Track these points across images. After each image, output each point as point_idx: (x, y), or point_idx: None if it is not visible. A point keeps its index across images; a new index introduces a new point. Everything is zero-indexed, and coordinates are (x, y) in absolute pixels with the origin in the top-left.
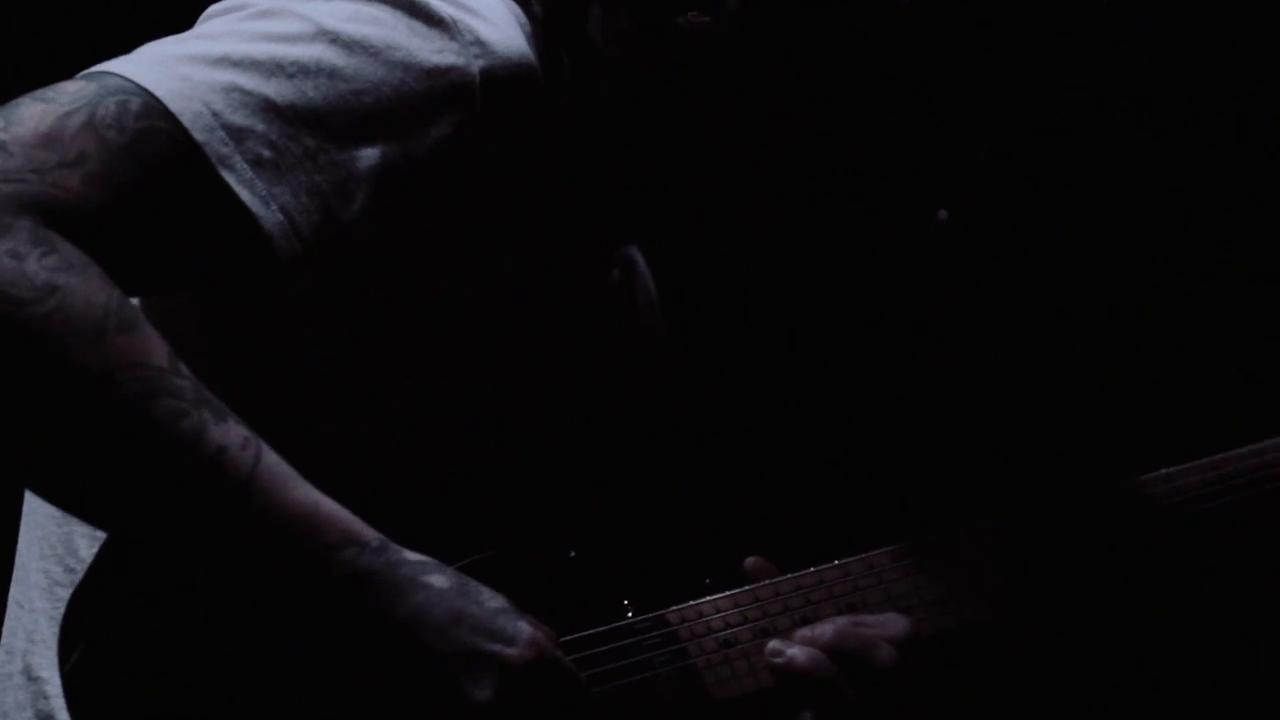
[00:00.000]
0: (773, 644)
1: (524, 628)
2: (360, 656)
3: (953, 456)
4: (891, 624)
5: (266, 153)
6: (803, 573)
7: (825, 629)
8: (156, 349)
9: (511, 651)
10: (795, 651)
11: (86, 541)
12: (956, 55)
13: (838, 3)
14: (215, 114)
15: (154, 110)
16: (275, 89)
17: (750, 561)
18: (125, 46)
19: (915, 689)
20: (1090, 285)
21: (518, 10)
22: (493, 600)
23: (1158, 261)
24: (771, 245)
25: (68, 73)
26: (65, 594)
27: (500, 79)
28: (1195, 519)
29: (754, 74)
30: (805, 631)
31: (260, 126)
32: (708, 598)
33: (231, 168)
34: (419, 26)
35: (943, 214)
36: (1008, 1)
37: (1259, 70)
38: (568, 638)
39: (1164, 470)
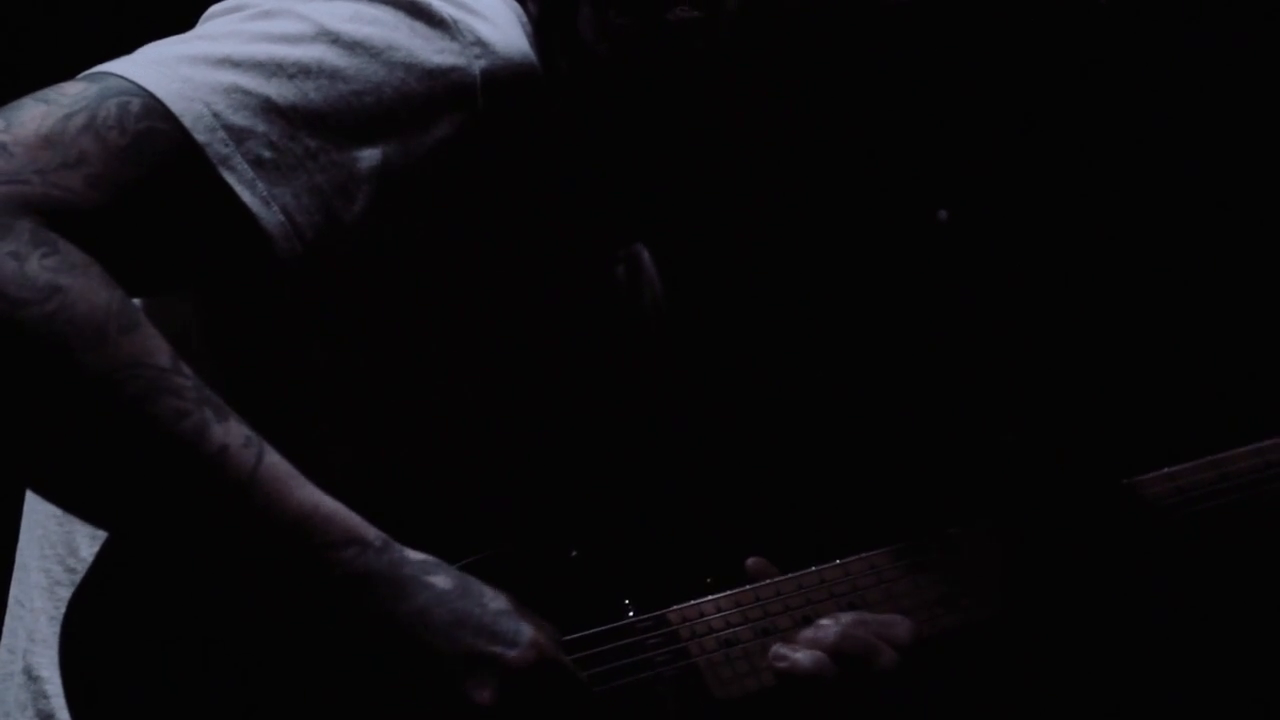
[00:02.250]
0: (776, 648)
1: (526, 629)
2: (362, 657)
3: (953, 455)
4: (894, 627)
5: (267, 153)
6: (804, 572)
7: (829, 631)
8: (158, 348)
9: (513, 653)
10: (800, 656)
11: (87, 541)
12: (956, 55)
13: (841, 9)
14: (216, 115)
15: (155, 111)
16: (276, 90)
17: (752, 562)
18: (127, 47)
19: (916, 690)
20: (1091, 284)
21: (519, 10)
22: (495, 601)
23: (1158, 260)
24: (773, 245)
25: (69, 73)
26: (66, 594)
27: (501, 79)
28: (1196, 518)
29: (748, 70)
30: (808, 633)
31: (261, 127)
32: (708, 597)
33: (233, 169)
34: (420, 27)
35: (943, 214)
36: (1008, 1)
37: (1259, 70)
38: (569, 637)
39: (1165, 469)
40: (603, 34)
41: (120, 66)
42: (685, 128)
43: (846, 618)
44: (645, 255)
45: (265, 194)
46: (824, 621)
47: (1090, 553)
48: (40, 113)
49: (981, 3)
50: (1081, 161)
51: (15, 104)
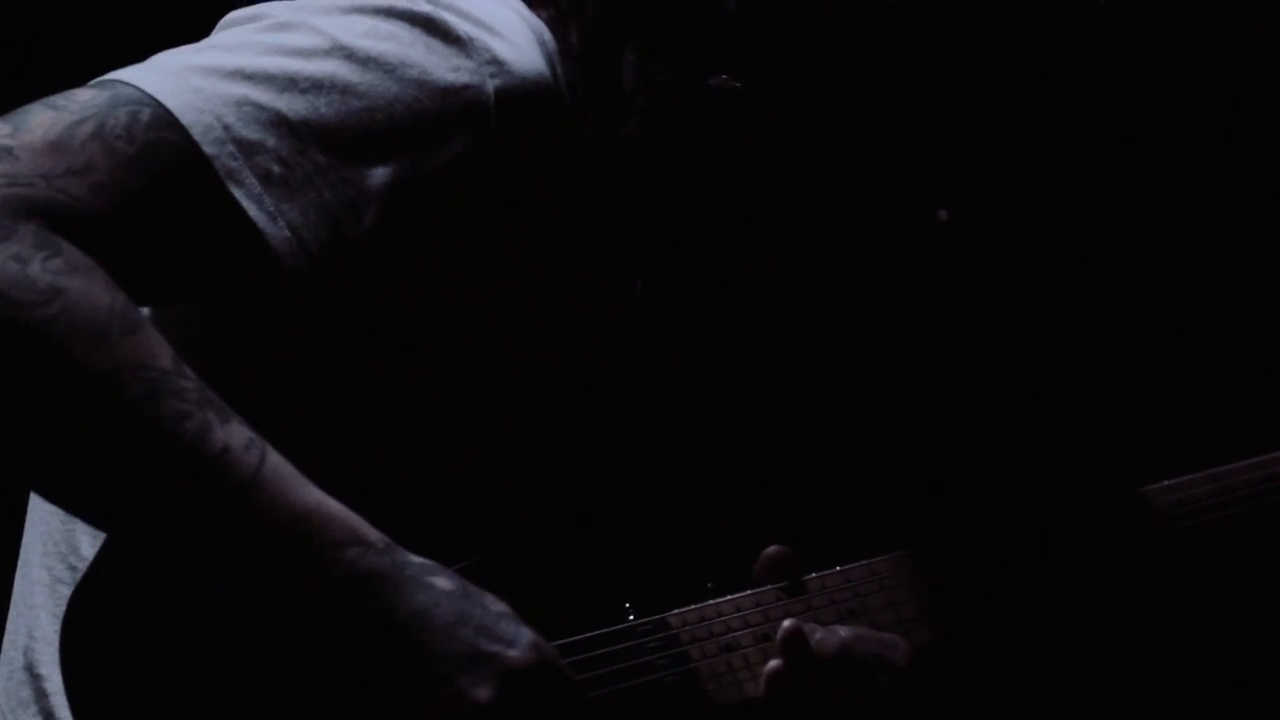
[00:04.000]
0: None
1: (526, 632)
2: (362, 656)
3: (955, 463)
4: (893, 649)
5: (276, 168)
6: (805, 578)
7: (831, 641)
8: (161, 350)
9: (513, 653)
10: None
11: (89, 539)
12: (957, 55)
13: (841, 9)
14: (226, 127)
15: (164, 121)
16: (288, 104)
17: (772, 550)
18: (139, 54)
19: (910, 705)
20: (1092, 291)
21: (541, 29)
22: (496, 604)
23: (1160, 268)
24: (772, 245)
25: (80, 80)
26: (67, 591)
27: (516, 98)
28: (1196, 531)
29: (777, 135)
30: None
31: (271, 141)
32: (710, 601)
33: (240, 183)
34: (435, 44)
35: (943, 214)
36: (1008, 1)
37: (1259, 70)
38: (569, 640)
39: (1165, 482)
40: (644, 86)
41: (131, 75)
42: (706, 180)
43: (846, 631)
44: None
45: (272, 209)
46: (820, 635)
47: (1091, 564)
48: (49, 118)
49: (982, 3)
50: (1083, 163)
51: (24, 109)
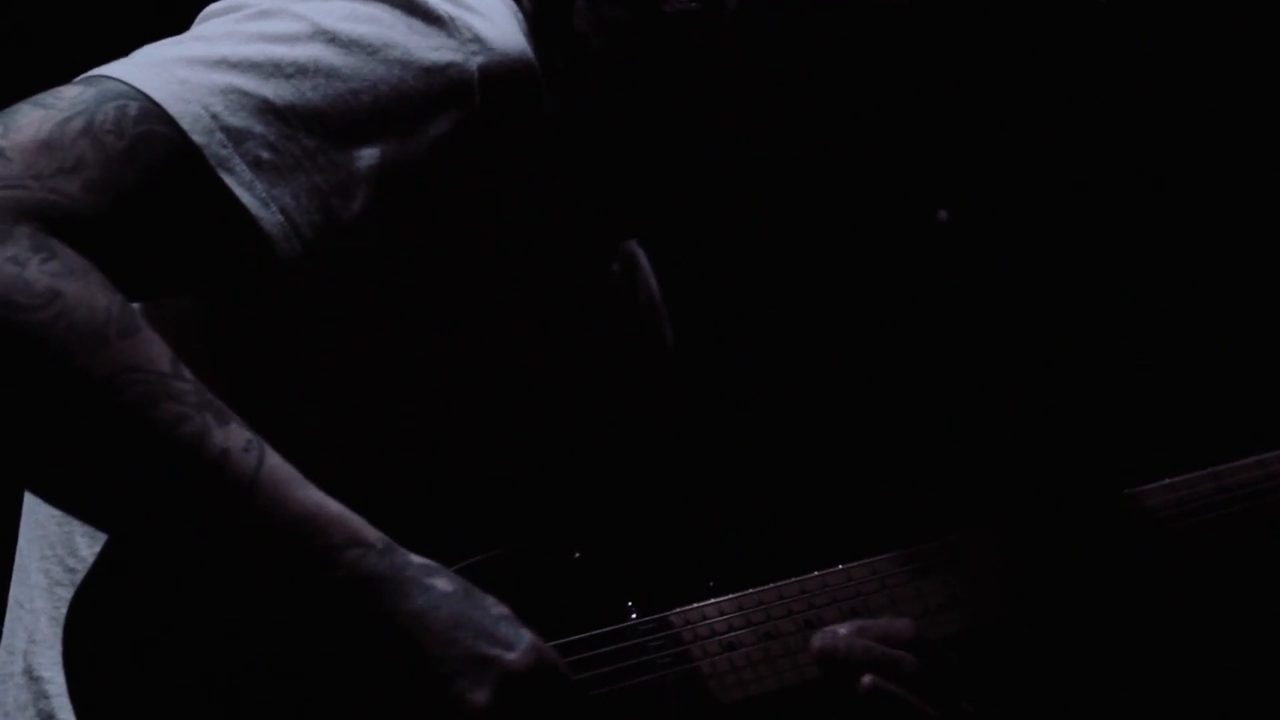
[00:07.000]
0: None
1: (525, 634)
2: (361, 658)
3: (955, 462)
4: (897, 628)
5: (266, 154)
6: (806, 576)
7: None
8: (158, 353)
9: (511, 656)
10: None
11: (87, 541)
12: (957, 55)
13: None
14: (214, 116)
15: (152, 114)
16: (274, 90)
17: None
18: (123, 49)
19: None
20: (1093, 290)
21: (514, 7)
22: (496, 607)
23: (1161, 267)
24: (772, 245)
25: (66, 76)
26: (66, 594)
27: (498, 75)
28: (1197, 529)
29: (746, 63)
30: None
31: (259, 128)
32: (711, 600)
33: (231, 170)
34: (417, 24)
35: (943, 214)
36: (1008, 1)
37: (1259, 70)
38: (572, 639)
39: (1166, 480)
40: (598, 27)
41: (117, 69)
42: (682, 121)
43: (845, 628)
44: (641, 255)
45: (264, 195)
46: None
47: (1090, 561)
48: (37, 117)
49: (982, 3)
50: (1082, 162)
51: (12, 109)
